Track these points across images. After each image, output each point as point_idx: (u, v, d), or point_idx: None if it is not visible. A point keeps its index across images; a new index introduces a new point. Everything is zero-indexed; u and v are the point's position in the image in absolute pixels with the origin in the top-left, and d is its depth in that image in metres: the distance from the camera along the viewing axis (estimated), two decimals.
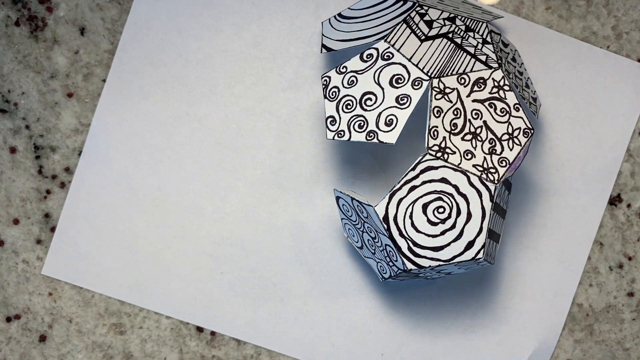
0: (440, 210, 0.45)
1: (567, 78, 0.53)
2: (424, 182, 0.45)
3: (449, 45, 0.47)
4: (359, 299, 0.52)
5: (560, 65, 0.53)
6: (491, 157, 0.46)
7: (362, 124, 0.46)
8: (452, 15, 0.48)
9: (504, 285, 0.53)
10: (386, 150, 0.52)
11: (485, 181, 0.45)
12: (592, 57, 0.53)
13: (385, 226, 0.45)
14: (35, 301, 0.52)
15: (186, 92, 0.52)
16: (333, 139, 0.46)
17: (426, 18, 0.47)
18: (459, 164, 0.45)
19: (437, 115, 0.45)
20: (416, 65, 0.46)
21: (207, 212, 0.52)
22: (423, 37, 0.47)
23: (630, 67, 0.53)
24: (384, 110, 0.46)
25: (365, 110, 0.46)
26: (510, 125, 0.47)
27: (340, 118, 0.46)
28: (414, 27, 0.47)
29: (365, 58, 0.47)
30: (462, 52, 0.47)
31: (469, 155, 0.45)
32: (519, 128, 0.47)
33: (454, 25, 0.48)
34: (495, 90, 0.47)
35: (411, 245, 0.45)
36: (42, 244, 0.52)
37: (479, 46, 0.47)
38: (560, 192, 0.53)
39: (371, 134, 0.45)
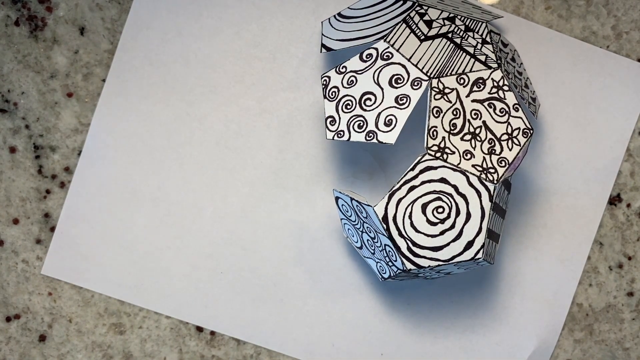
0: (440, 210, 0.45)
1: (567, 78, 0.53)
2: (423, 182, 0.45)
3: (449, 45, 0.47)
4: (359, 299, 0.52)
5: (560, 65, 0.53)
6: (490, 157, 0.46)
7: (361, 124, 0.46)
8: (451, 15, 0.48)
9: (504, 285, 0.53)
10: (386, 150, 0.52)
11: (484, 181, 0.45)
12: (592, 57, 0.53)
13: (385, 226, 0.45)
14: (35, 301, 0.52)
15: (186, 92, 0.52)
16: (333, 139, 0.46)
17: (426, 18, 0.47)
18: (458, 164, 0.45)
19: (436, 115, 0.45)
20: (415, 65, 0.46)
21: (207, 212, 0.52)
22: (422, 37, 0.47)
23: (630, 67, 0.53)
24: (384, 110, 0.45)
25: (365, 110, 0.46)
26: (509, 125, 0.46)
27: (339, 118, 0.46)
28: (413, 27, 0.47)
29: (364, 58, 0.47)
30: (461, 52, 0.47)
31: (468, 155, 0.45)
32: (518, 128, 0.47)
33: (453, 25, 0.48)
34: (494, 90, 0.47)
35: (410, 245, 0.45)
36: (41, 243, 0.52)
37: (479, 46, 0.47)
38: (560, 192, 0.53)
39: (370, 134, 0.45)
